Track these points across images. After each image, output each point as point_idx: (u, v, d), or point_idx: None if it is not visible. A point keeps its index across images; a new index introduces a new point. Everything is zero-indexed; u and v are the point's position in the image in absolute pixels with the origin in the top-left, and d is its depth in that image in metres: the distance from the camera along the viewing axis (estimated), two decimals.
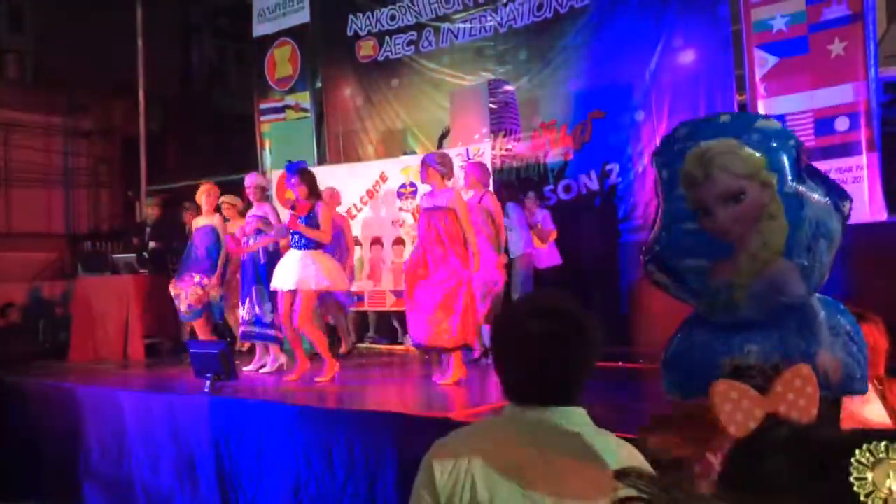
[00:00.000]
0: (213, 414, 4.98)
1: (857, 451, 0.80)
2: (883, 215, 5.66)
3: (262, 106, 10.00)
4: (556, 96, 7.82)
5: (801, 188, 1.62)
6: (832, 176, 2.17)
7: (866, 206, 5.60)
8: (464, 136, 7.62)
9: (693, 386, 1.54)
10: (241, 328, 6.33)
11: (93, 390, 5.91)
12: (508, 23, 8.07)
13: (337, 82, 9.62)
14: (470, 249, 5.36)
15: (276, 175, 8.58)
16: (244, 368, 6.18)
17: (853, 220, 1.77)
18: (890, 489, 0.78)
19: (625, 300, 6.68)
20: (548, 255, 7.19)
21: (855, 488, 0.78)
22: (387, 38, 9.01)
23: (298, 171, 5.80)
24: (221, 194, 7.02)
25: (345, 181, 7.77)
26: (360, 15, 9.20)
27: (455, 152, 7.02)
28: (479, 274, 5.55)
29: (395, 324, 7.85)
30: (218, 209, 6.89)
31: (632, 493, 0.77)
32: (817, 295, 1.71)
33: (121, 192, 13.78)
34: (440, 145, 7.98)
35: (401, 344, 7.69)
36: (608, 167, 7.38)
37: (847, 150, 5.80)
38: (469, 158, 7.12)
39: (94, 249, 11.69)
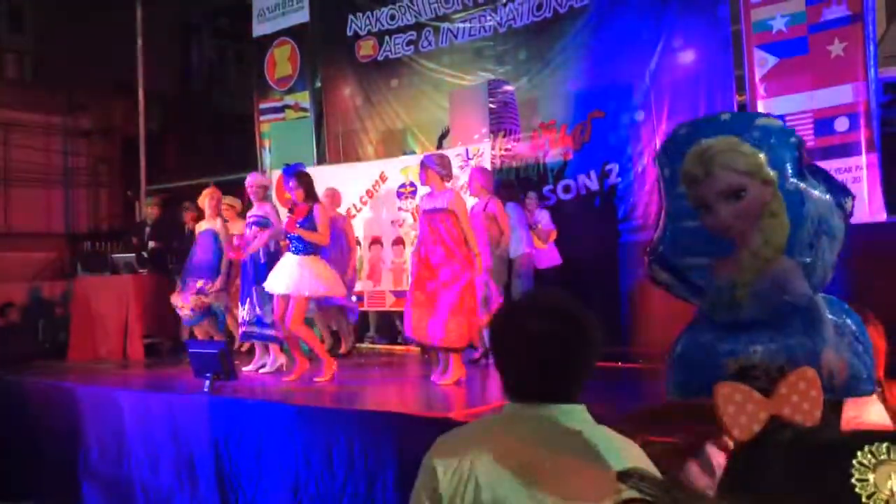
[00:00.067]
0: (213, 414, 4.98)
1: (859, 453, 0.80)
2: (883, 215, 5.66)
3: (262, 106, 9.99)
4: (555, 96, 7.81)
5: (803, 185, 1.62)
6: None
7: (866, 206, 5.60)
8: (463, 136, 7.62)
9: (697, 386, 1.54)
10: (242, 328, 6.33)
11: (92, 390, 5.91)
12: (508, 23, 8.06)
13: (336, 82, 9.61)
14: (472, 250, 5.36)
15: (276, 175, 8.58)
16: (244, 368, 6.18)
17: (853, 220, 1.77)
18: (891, 490, 0.78)
19: (624, 300, 6.67)
20: (548, 255, 7.20)
21: (857, 489, 0.78)
22: (386, 37, 9.01)
23: (296, 174, 5.80)
24: (222, 195, 7.04)
25: (344, 181, 7.76)
26: (360, 15, 9.20)
27: (455, 152, 7.02)
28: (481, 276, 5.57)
29: (398, 323, 7.85)
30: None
31: (634, 494, 0.78)
32: (822, 295, 1.71)
33: (120, 192, 13.78)
34: (440, 145, 7.98)
35: (401, 344, 7.69)
36: (608, 167, 7.37)
37: (847, 150, 5.80)
38: (469, 158, 7.12)
39: (94, 249, 11.69)
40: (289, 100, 9.76)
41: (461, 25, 8.41)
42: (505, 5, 8.04)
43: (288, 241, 5.83)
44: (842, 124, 5.82)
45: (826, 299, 1.72)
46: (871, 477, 0.79)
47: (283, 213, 6.52)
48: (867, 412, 1.96)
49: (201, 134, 14.77)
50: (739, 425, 1.33)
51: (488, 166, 6.95)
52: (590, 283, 7.05)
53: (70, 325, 8.27)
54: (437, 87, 8.59)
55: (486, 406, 4.60)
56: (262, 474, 4.68)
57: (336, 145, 9.51)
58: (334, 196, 7.37)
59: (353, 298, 7.49)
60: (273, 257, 6.10)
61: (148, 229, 8.46)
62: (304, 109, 9.63)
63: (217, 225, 6.83)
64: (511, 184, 7.52)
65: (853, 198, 1.71)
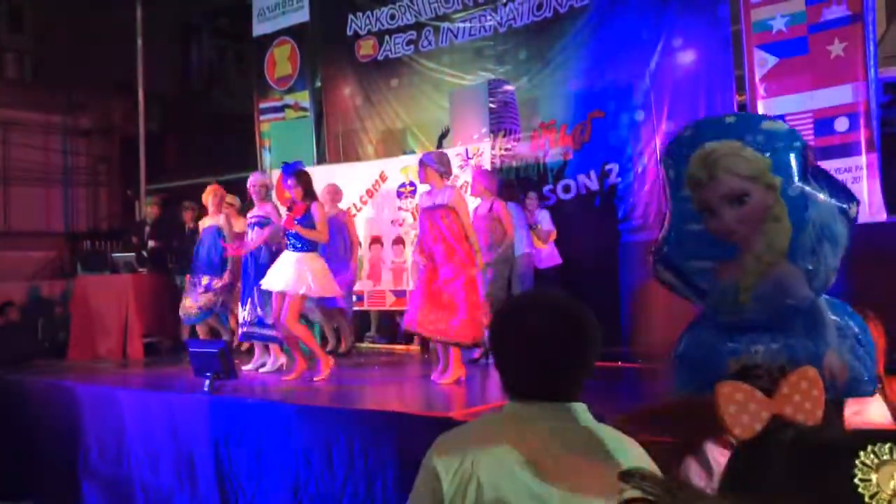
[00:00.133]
0: (213, 413, 4.98)
1: (862, 453, 0.80)
2: (882, 215, 5.66)
3: (262, 105, 9.99)
4: (555, 96, 7.81)
5: (806, 190, 1.62)
6: None
7: (866, 206, 5.60)
8: (463, 135, 7.62)
9: (699, 385, 1.54)
10: (243, 328, 6.32)
11: (92, 389, 5.91)
12: (508, 22, 8.06)
13: (336, 82, 9.61)
14: (473, 247, 5.36)
15: (276, 175, 8.58)
16: (244, 367, 6.18)
17: None
18: (894, 490, 0.78)
19: (624, 300, 6.67)
20: (548, 255, 7.20)
21: (859, 490, 0.78)
22: (386, 37, 9.01)
23: (294, 173, 5.82)
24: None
25: (344, 181, 7.77)
26: (360, 14, 9.20)
27: (455, 152, 7.02)
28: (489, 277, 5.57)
29: (398, 319, 7.85)
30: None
31: (637, 493, 0.78)
32: (825, 297, 1.71)
33: (120, 191, 13.77)
34: (440, 145, 7.98)
35: (401, 343, 7.69)
36: (608, 167, 7.38)
37: (846, 150, 5.81)
38: (469, 158, 7.12)
39: (94, 248, 11.68)
40: (289, 99, 9.76)
41: (461, 25, 8.41)
42: (505, 5, 8.04)
43: (286, 240, 5.84)
44: (842, 124, 5.82)
45: (829, 301, 1.73)
46: (873, 477, 0.79)
47: (284, 212, 6.53)
48: (868, 409, 1.97)
49: (201, 133, 14.75)
50: (741, 424, 1.33)
51: (488, 166, 6.95)
52: (590, 283, 7.04)
53: (70, 325, 8.27)
54: (437, 86, 8.59)
55: (486, 405, 4.60)
56: (262, 474, 4.68)
57: (336, 145, 9.51)
58: (336, 192, 7.38)
59: (353, 298, 7.51)
60: (274, 257, 6.10)
61: (148, 228, 8.47)
62: (304, 109, 9.62)
63: (221, 221, 6.84)
64: (511, 184, 7.52)
65: (858, 203, 1.71)
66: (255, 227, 6.23)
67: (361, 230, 7.75)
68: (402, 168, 7.70)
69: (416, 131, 8.86)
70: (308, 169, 6.24)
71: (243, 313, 6.28)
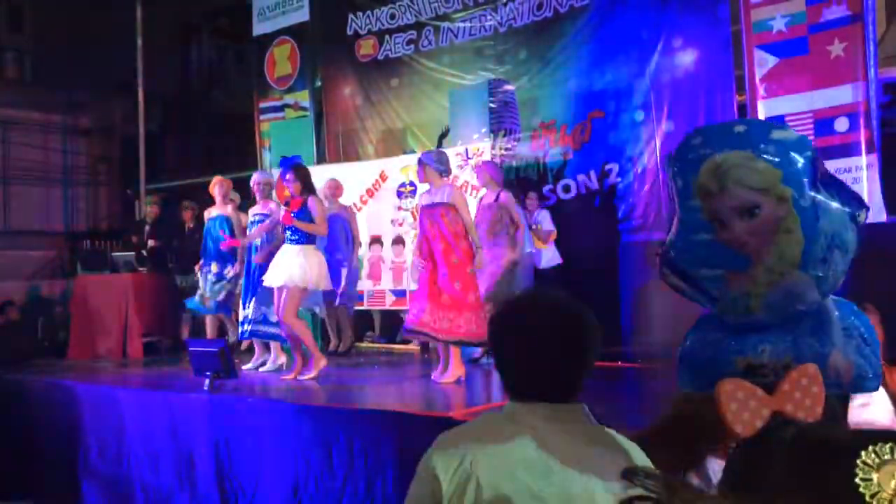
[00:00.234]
0: (213, 412, 4.98)
1: (863, 453, 0.80)
2: (883, 216, 5.66)
3: (262, 105, 9.99)
4: (555, 96, 7.81)
5: (818, 200, 1.61)
6: None
7: None
8: (463, 135, 7.62)
9: (705, 384, 1.54)
10: (246, 326, 6.32)
11: (92, 388, 5.91)
12: (508, 22, 8.06)
13: (336, 81, 9.61)
14: (473, 244, 5.36)
15: (276, 174, 8.59)
16: (244, 366, 6.18)
17: None
18: (895, 490, 0.78)
19: (624, 300, 6.67)
20: (548, 255, 7.20)
21: (860, 489, 0.78)
22: (386, 37, 9.01)
23: (293, 167, 5.83)
24: None
25: (344, 180, 7.77)
26: (360, 14, 9.19)
27: (454, 152, 7.03)
28: (490, 270, 5.56)
29: (401, 315, 7.86)
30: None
31: (639, 492, 0.78)
32: (832, 297, 1.71)
33: (120, 191, 13.77)
34: (440, 145, 7.97)
35: (401, 343, 7.70)
36: (608, 167, 7.38)
37: (847, 150, 5.80)
38: (469, 158, 7.12)
39: (94, 248, 11.67)
40: (289, 99, 9.76)
41: (461, 25, 8.41)
42: (505, 5, 8.04)
43: (284, 234, 5.85)
44: (842, 124, 5.82)
45: (835, 301, 1.72)
46: (874, 476, 0.79)
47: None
48: (874, 400, 1.98)
49: (201, 133, 14.76)
50: (742, 422, 1.33)
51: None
52: (590, 283, 7.04)
53: (70, 324, 8.28)
54: (438, 86, 8.59)
55: (486, 405, 4.60)
56: (261, 473, 4.68)
57: (336, 144, 9.51)
58: (336, 187, 7.39)
59: (357, 297, 7.53)
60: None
61: (147, 228, 8.48)
62: (304, 108, 9.62)
63: (228, 210, 6.84)
64: (511, 184, 7.52)
65: (867, 210, 1.70)
66: (258, 224, 6.26)
67: (361, 230, 7.76)
68: (402, 168, 7.70)
69: (417, 131, 8.86)
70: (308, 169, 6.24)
71: (245, 312, 6.28)
